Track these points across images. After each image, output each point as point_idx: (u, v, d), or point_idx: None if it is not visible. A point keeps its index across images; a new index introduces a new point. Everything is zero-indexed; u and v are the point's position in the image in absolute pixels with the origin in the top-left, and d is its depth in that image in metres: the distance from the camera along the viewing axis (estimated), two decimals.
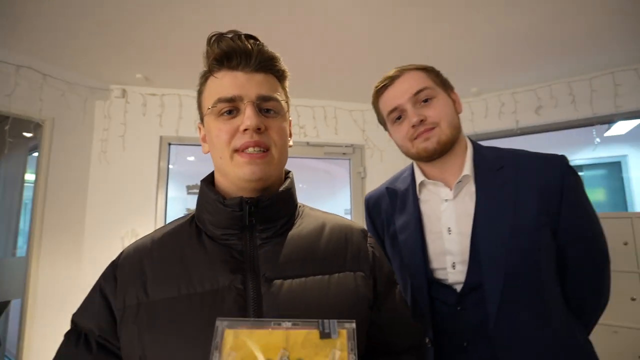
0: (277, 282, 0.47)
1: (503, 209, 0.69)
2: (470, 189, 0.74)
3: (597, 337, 1.80)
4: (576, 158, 4.20)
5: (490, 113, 2.58)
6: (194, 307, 0.45)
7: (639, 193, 3.56)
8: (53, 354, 0.48)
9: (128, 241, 2.24)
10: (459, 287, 0.71)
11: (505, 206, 0.69)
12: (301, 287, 0.48)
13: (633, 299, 1.79)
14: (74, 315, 0.50)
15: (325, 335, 0.36)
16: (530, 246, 0.68)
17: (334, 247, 0.54)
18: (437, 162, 0.76)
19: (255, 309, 0.45)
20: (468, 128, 2.63)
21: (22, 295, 2.03)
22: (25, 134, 2.19)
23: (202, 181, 0.56)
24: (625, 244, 1.84)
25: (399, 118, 0.76)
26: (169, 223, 0.58)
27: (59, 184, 2.14)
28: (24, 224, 2.40)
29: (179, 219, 0.58)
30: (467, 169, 0.74)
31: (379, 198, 0.90)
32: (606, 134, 3.26)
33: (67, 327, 0.49)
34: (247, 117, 0.49)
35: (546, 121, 2.40)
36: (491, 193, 0.71)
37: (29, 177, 2.38)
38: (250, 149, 0.49)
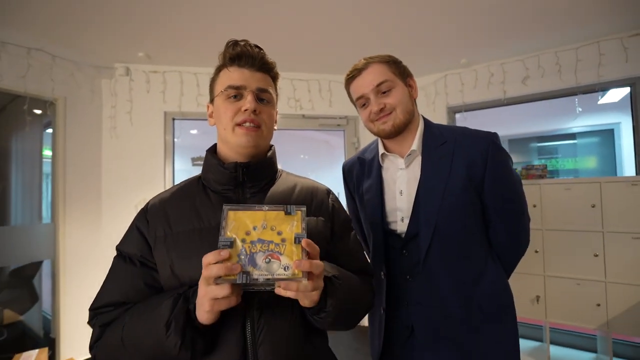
0: None
1: (439, 176, 0.87)
2: (419, 160, 0.92)
3: (563, 288, 2.02)
4: (573, 126, 4.25)
5: (479, 84, 2.66)
6: (204, 236, 0.64)
7: (629, 159, 3.66)
8: (82, 306, 0.67)
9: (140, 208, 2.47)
10: (403, 236, 0.91)
11: (441, 174, 0.87)
12: None
13: (596, 255, 1.99)
14: (119, 246, 0.69)
15: (288, 213, 0.58)
16: (457, 205, 0.86)
17: (302, 200, 0.73)
18: (395, 138, 0.93)
19: None
20: (457, 99, 2.73)
21: (53, 256, 2.31)
22: (35, 111, 2.36)
23: (207, 151, 0.75)
24: (593, 206, 2.00)
25: (364, 104, 0.92)
26: (180, 182, 0.77)
27: (75, 158, 2.35)
28: (46, 195, 2.64)
29: (188, 179, 0.78)
30: (415, 145, 0.91)
31: (352, 165, 1.09)
32: (600, 102, 3.31)
33: (92, 281, 0.68)
34: (248, 101, 0.67)
35: (532, 91, 2.48)
36: (433, 163, 0.89)
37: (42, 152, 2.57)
38: (247, 124, 0.67)
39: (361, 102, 0.93)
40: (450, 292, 0.86)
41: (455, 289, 0.86)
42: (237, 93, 0.68)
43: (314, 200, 0.74)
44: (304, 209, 0.59)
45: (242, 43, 0.71)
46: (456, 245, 0.86)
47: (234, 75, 0.69)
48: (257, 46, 0.73)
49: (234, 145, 0.69)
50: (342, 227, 0.77)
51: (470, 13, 1.94)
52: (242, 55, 0.70)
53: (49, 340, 2.36)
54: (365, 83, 0.89)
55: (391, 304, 0.93)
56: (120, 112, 2.51)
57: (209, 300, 0.52)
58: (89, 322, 0.65)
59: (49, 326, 2.43)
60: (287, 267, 0.53)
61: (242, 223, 0.55)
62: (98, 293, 0.66)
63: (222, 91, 0.69)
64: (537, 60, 2.44)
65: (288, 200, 0.72)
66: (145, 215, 0.69)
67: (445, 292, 0.86)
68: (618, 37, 2.19)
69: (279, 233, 0.56)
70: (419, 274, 0.88)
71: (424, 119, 0.96)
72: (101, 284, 0.67)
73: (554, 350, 2.31)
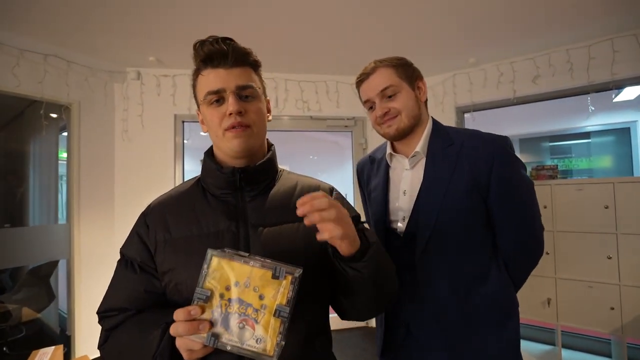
0: (260, 228, 0.65)
1: (442, 178, 0.87)
2: (423, 161, 0.92)
3: (575, 291, 1.98)
4: (587, 125, 4.15)
5: (488, 83, 2.63)
6: (202, 242, 0.63)
7: None
8: (96, 305, 0.69)
9: None
10: (403, 235, 0.91)
11: (444, 176, 0.87)
12: (277, 232, 0.66)
13: (609, 258, 1.94)
14: (122, 249, 0.69)
15: (275, 277, 0.51)
16: (458, 207, 0.85)
17: None
18: (402, 140, 0.95)
19: (245, 246, 0.65)
20: (466, 98, 2.70)
21: (69, 256, 2.38)
22: (52, 115, 2.43)
23: (205, 153, 0.72)
24: (606, 207, 1.96)
25: (371, 107, 0.94)
26: (180, 184, 0.76)
27: (89, 160, 2.41)
28: (61, 196, 2.72)
29: (187, 181, 0.76)
30: (419, 147, 0.92)
31: (364, 164, 1.12)
32: (615, 100, 3.23)
33: (106, 281, 0.69)
34: (230, 104, 0.63)
35: (543, 90, 2.44)
36: (437, 165, 0.89)
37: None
38: (235, 128, 0.64)
39: (368, 105, 0.95)
40: (445, 293, 0.86)
41: (450, 291, 0.86)
42: (218, 97, 0.65)
43: None
44: (298, 274, 0.52)
45: (210, 40, 0.65)
46: (455, 248, 0.86)
47: (210, 79, 0.65)
48: (226, 39, 0.67)
49: (228, 151, 0.67)
50: None
51: (478, 11, 1.92)
52: (213, 55, 0.65)
53: (64, 338, 2.44)
54: (371, 87, 0.91)
55: None
56: (132, 115, 2.57)
57: (185, 350, 0.52)
58: (98, 322, 0.68)
59: (65, 324, 2.50)
60: (260, 340, 0.49)
61: (224, 275, 0.51)
62: (103, 298, 0.68)
63: (203, 99, 0.66)
64: (548, 58, 2.40)
65: (289, 201, 0.70)
66: (145, 220, 0.69)
67: (439, 293, 0.86)
68: (632, 33, 2.13)
69: (261, 297, 0.50)
70: (415, 274, 0.88)
71: (434, 120, 0.97)
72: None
73: (566, 354, 2.27)
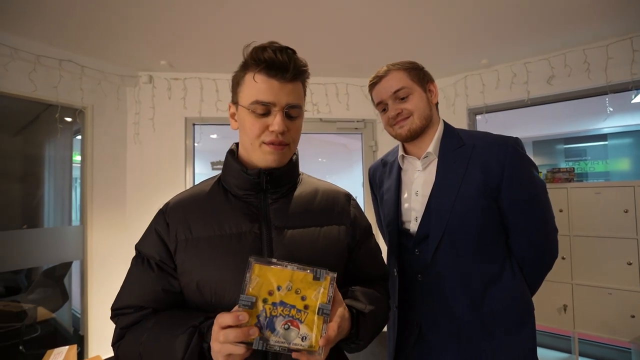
0: (283, 230, 0.65)
1: (454, 179, 0.88)
2: (435, 162, 0.93)
3: (593, 297, 1.93)
4: (603, 127, 4.05)
5: (501, 84, 2.58)
6: (225, 243, 0.63)
7: None
8: (109, 306, 0.68)
9: None
10: (415, 235, 0.92)
11: (456, 177, 0.87)
12: (300, 234, 0.66)
13: (629, 264, 1.88)
14: (137, 245, 0.68)
15: (316, 278, 0.55)
16: (469, 208, 0.85)
17: (324, 205, 0.72)
18: (414, 141, 0.96)
19: (268, 248, 0.64)
20: (478, 100, 2.66)
21: (82, 257, 2.42)
22: (66, 118, 2.47)
23: (228, 153, 0.72)
24: (626, 211, 1.90)
25: (384, 109, 0.96)
26: (200, 183, 0.75)
27: (102, 163, 2.45)
28: (75, 198, 2.77)
29: (207, 180, 0.75)
30: (431, 148, 0.93)
31: (376, 168, 1.14)
32: (634, 101, 3.13)
33: (117, 282, 0.69)
34: (277, 122, 0.63)
35: (558, 91, 2.38)
36: (448, 166, 0.90)
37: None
38: (274, 143, 0.64)
39: (381, 107, 0.97)
40: (457, 294, 0.86)
41: (462, 292, 0.85)
42: (265, 111, 0.63)
43: (335, 208, 0.73)
44: (335, 275, 0.56)
45: (272, 49, 0.62)
46: (467, 248, 0.86)
47: (262, 88, 0.63)
48: (288, 50, 0.64)
49: (259, 161, 0.67)
50: (364, 234, 0.76)
51: (491, 11, 1.88)
52: (272, 64, 0.62)
53: (78, 337, 2.47)
54: (384, 89, 0.93)
55: (402, 302, 0.95)
56: (144, 118, 2.60)
57: (222, 356, 0.51)
58: (111, 319, 0.67)
59: (79, 324, 2.54)
60: (305, 337, 0.52)
61: (266, 281, 0.53)
62: (118, 294, 0.67)
63: (248, 104, 0.64)
64: (564, 58, 2.34)
65: (311, 205, 0.71)
66: (165, 218, 0.68)
67: (452, 294, 0.86)
68: None
69: (303, 298, 0.54)
70: (428, 274, 0.89)
71: (445, 123, 0.98)
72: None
73: None
